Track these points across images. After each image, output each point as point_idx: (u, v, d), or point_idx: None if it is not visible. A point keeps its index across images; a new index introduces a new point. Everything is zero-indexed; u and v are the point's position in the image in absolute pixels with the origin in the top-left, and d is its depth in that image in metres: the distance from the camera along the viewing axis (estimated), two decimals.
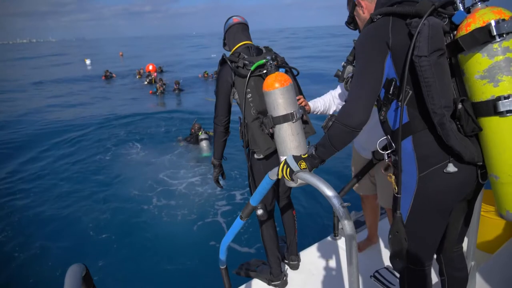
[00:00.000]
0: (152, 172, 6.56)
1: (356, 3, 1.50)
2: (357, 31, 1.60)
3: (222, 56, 2.18)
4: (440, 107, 1.13)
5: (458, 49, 1.10)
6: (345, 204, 1.16)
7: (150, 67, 20.64)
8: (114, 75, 21.92)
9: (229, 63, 2.13)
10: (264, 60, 2.08)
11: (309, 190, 5.41)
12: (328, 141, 1.33)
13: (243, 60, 2.14)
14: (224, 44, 2.39)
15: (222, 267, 2.20)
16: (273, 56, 2.14)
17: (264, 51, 2.26)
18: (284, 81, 1.85)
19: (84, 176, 6.75)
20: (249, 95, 2.14)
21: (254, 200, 1.72)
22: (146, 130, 9.70)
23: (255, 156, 2.21)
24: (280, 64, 2.16)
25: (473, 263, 2.03)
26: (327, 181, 1.23)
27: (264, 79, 1.94)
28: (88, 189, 6.15)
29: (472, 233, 1.96)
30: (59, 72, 26.94)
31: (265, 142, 2.14)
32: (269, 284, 2.47)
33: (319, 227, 4.54)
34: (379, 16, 1.25)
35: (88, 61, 34.78)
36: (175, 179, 6.30)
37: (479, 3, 1.11)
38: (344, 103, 1.30)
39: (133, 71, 22.46)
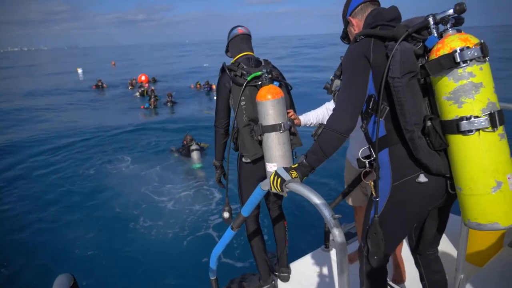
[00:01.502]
0: (142, 185, 6.48)
1: (348, 21, 1.64)
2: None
3: (223, 65, 2.34)
4: (411, 124, 1.27)
5: (427, 73, 1.23)
6: (336, 215, 1.18)
7: (143, 78, 20.52)
8: (105, 85, 21.60)
9: (227, 71, 2.29)
10: (260, 72, 2.24)
11: (299, 200, 5.43)
12: (318, 147, 1.44)
13: (241, 70, 2.29)
14: (227, 51, 2.54)
15: (212, 278, 2.18)
16: (269, 70, 2.28)
17: (262, 63, 2.41)
18: (276, 93, 2.06)
19: (71, 189, 6.64)
20: (243, 103, 2.29)
21: (246, 211, 1.74)
22: (137, 143, 9.55)
23: (243, 159, 2.36)
24: (275, 77, 2.30)
25: (462, 276, 2.05)
26: (321, 192, 1.26)
27: (258, 90, 2.12)
28: (77, 202, 6.06)
29: (462, 246, 1.99)
30: (50, 82, 26.68)
31: (253, 148, 2.28)
32: None
33: (310, 238, 4.54)
34: (362, 37, 1.40)
35: (80, 70, 34.58)
36: (166, 191, 6.25)
37: (450, 30, 1.21)
38: (333, 111, 1.43)
39: (125, 81, 22.30)
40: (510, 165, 1.19)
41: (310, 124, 2.45)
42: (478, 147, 1.17)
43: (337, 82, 1.67)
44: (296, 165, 1.50)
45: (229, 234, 1.88)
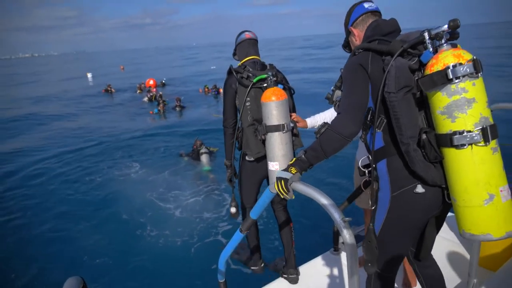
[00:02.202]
0: (151, 191, 6.48)
1: (350, 31, 1.68)
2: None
3: (230, 67, 2.45)
4: (406, 137, 1.32)
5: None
6: (347, 218, 1.18)
7: (151, 82, 20.61)
8: (113, 89, 21.80)
9: (234, 73, 2.40)
10: (265, 75, 2.34)
11: (305, 201, 5.40)
12: (319, 146, 1.48)
13: (247, 72, 2.40)
14: (234, 54, 2.66)
15: (221, 281, 2.18)
16: (274, 73, 2.38)
17: (268, 67, 2.53)
18: (280, 95, 2.16)
19: (80, 195, 6.65)
20: (248, 103, 2.39)
21: (254, 213, 1.74)
22: (146, 148, 9.54)
23: (247, 158, 2.47)
24: (279, 81, 2.40)
25: (475, 280, 2.03)
26: (331, 192, 1.29)
27: (263, 91, 2.22)
28: (85, 208, 6.09)
29: (474, 251, 1.97)
30: (61, 88, 26.99)
31: (257, 147, 2.37)
32: (249, 267, 2.84)
33: (318, 240, 4.50)
34: (360, 50, 1.45)
35: (89, 75, 34.97)
36: (175, 197, 6.25)
37: (444, 45, 1.24)
38: (337, 115, 1.49)
39: (134, 85, 22.47)
40: (503, 178, 1.22)
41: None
42: (471, 160, 1.20)
43: (338, 92, 1.72)
44: (294, 160, 1.55)
45: (237, 236, 1.89)
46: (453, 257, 2.64)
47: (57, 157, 9.15)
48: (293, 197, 1.51)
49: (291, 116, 2.34)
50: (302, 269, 2.65)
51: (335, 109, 1.69)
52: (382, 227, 1.48)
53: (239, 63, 2.52)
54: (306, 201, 5.50)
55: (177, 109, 14.57)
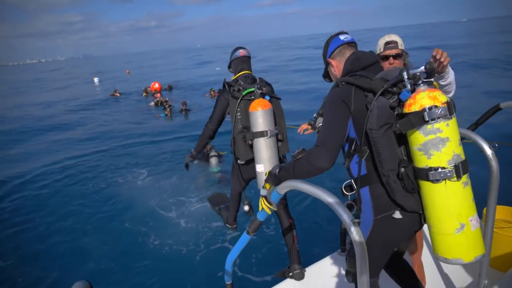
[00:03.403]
0: (158, 196, 6.46)
1: (328, 62, 1.79)
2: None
3: (224, 81, 2.87)
4: (387, 170, 1.45)
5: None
6: (356, 220, 1.19)
7: (156, 86, 20.67)
8: (118, 94, 21.95)
9: (227, 87, 2.80)
10: (253, 88, 2.68)
11: (313, 202, 5.43)
12: (292, 169, 1.58)
13: (238, 86, 2.78)
14: (229, 67, 3.03)
15: (228, 283, 2.19)
16: (260, 86, 2.71)
17: (257, 80, 2.88)
18: (265, 105, 2.57)
19: (87, 201, 6.66)
20: (238, 114, 2.76)
21: (261, 215, 1.77)
22: (153, 153, 9.50)
23: (239, 161, 2.83)
24: (266, 92, 2.71)
25: (486, 281, 2.02)
26: (334, 193, 1.34)
27: (251, 102, 2.63)
28: (92, 214, 6.11)
29: (485, 252, 1.96)
30: (68, 93, 27.22)
31: (246, 152, 2.76)
32: (224, 224, 3.34)
33: (325, 240, 4.46)
34: (343, 83, 1.56)
35: (96, 80, 35.25)
36: (183, 202, 6.21)
37: (421, 85, 1.36)
38: (315, 146, 1.57)
39: (140, 88, 22.62)
40: (472, 209, 1.35)
41: None
42: (445, 194, 1.33)
43: (320, 120, 1.86)
44: (267, 173, 1.70)
45: (245, 238, 1.91)
46: None
47: (63, 163, 9.16)
48: (275, 208, 1.69)
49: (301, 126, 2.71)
50: (310, 270, 2.67)
51: (317, 135, 1.82)
52: (369, 235, 1.60)
53: (233, 77, 2.92)
54: (313, 202, 5.47)
55: (183, 112, 14.74)
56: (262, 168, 2.62)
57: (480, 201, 2.44)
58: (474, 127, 2.62)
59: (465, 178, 1.33)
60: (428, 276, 2.45)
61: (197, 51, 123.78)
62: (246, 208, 3.01)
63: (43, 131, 13.87)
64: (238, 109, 2.76)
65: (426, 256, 2.62)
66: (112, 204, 6.45)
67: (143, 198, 6.48)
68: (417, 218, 1.52)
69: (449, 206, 1.33)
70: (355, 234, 1.15)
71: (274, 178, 1.65)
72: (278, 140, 2.76)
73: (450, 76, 2.03)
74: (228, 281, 2.19)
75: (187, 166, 3.20)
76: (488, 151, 1.74)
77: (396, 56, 2.21)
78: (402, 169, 1.42)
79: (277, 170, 1.65)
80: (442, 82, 1.98)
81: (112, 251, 4.89)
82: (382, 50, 2.26)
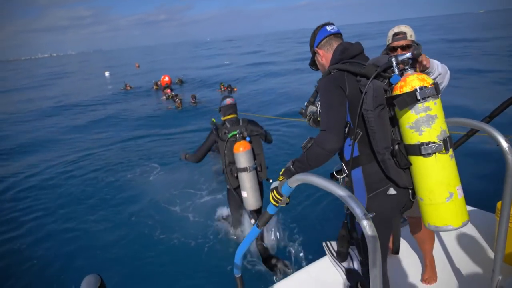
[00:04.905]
0: (168, 189, 6.49)
1: (315, 51, 1.91)
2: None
3: (215, 124, 3.88)
4: (382, 148, 1.57)
5: (394, 105, 1.48)
6: (370, 214, 1.17)
7: (166, 79, 20.71)
8: (129, 87, 22.16)
9: (214, 132, 3.79)
10: (235, 132, 3.63)
11: (317, 196, 5.43)
12: (305, 158, 1.67)
13: (225, 129, 3.76)
14: (220, 110, 3.92)
15: (237, 276, 2.19)
16: (241, 131, 3.63)
17: (241, 123, 3.80)
18: (245, 147, 3.53)
19: (99, 195, 6.72)
20: (225, 151, 3.69)
21: (272, 208, 1.79)
22: (162, 146, 9.53)
23: (228, 187, 3.88)
24: (246, 135, 3.62)
25: (500, 277, 1.99)
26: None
27: (235, 142, 3.57)
28: (103, 208, 6.15)
29: (499, 247, 1.93)
30: (80, 88, 27.45)
31: (233, 181, 3.74)
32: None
33: (329, 237, 4.45)
34: (335, 70, 1.67)
35: (107, 74, 35.57)
36: (193, 193, 6.24)
37: (409, 70, 1.52)
38: (321, 131, 1.67)
39: (150, 82, 22.73)
40: (458, 179, 1.50)
41: None
42: (436, 166, 1.47)
43: (311, 108, 1.93)
44: (283, 170, 1.73)
45: (254, 232, 1.91)
46: (477, 254, 2.60)
47: (75, 156, 9.27)
48: (288, 201, 1.70)
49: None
50: (311, 266, 2.67)
51: (307, 123, 1.97)
52: None
53: (222, 118, 3.87)
54: (315, 200, 5.38)
55: (193, 105, 14.93)
56: (246, 194, 3.61)
57: (493, 196, 2.41)
58: (488, 119, 2.56)
59: (451, 151, 1.48)
60: (439, 271, 2.42)
61: (206, 44, 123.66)
62: (252, 221, 3.80)
63: (55, 125, 14.08)
64: (226, 148, 3.67)
65: (438, 251, 2.60)
66: (121, 199, 6.51)
67: (154, 191, 6.53)
68: (407, 194, 1.66)
69: (440, 177, 1.47)
70: (368, 228, 1.13)
71: (289, 172, 1.69)
72: (257, 171, 3.68)
73: (436, 71, 1.98)
74: (238, 274, 2.18)
75: (185, 157, 4.07)
76: (505, 144, 1.69)
77: (405, 47, 2.15)
78: (396, 147, 1.55)
79: (291, 163, 1.70)
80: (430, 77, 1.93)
81: (122, 244, 4.94)
82: (390, 41, 2.21)
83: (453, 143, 2.36)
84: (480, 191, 5.04)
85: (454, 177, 1.49)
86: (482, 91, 12.25)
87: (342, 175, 1.76)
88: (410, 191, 1.65)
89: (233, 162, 3.62)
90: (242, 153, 3.49)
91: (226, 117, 3.82)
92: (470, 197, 3.45)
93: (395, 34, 2.18)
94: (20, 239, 5.36)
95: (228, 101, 3.85)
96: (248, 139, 3.62)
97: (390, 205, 1.68)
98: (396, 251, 1.97)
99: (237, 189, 3.72)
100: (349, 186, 1.73)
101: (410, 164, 1.53)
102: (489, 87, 12.87)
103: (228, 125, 3.74)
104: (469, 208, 3.09)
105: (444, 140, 1.45)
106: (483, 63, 18.44)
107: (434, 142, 1.44)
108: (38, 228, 5.71)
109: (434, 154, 1.45)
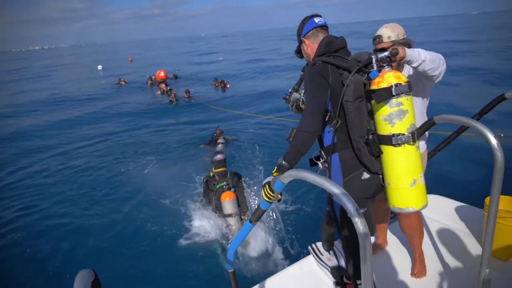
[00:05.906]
0: (163, 182, 6.49)
1: (302, 41, 2.05)
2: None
3: (203, 179, 4.93)
4: (358, 137, 1.74)
5: (371, 99, 1.63)
6: (361, 210, 1.18)
7: (161, 74, 20.51)
8: (123, 82, 21.91)
9: (207, 185, 4.78)
10: (222, 184, 4.64)
11: (314, 192, 5.47)
12: (294, 147, 1.77)
13: (214, 181, 4.70)
14: (212, 163, 4.84)
15: (230, 271, 2.19)
16: (228, 183, 4.65)
17: (228, 175, 4.74)
18: (230, 197, 4.49)
19: (93, 190, 6.70)
20: (214, 200, 4.65)
21: (264, 204, 1.80)
22: (159, 141, 9.51)
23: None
24: (234, 185, 4.67)
25: (487, 270, 2.03)
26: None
27: (223, 192, 4.54)
28: (97, 202, 6.17)
29: (487, 241, 1.97)
30: (72, 81, 27.01)
31: (224, 218, 4.66)
32: None
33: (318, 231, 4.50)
34: (320, 62, 1.83)
35: (100, 67, 35.14)
36: (188, 187, 6.19)
37: (386, 67, 1.65)
38: (302, 116, 1.81)
39: (144, 77, 22.52)
40: (421, 168, 1.68)
41: None
42: (404, 155, 1.63)
43: (295, 95, 2.08)
44: (276, 168, 1.79)
45: (248, 227, 1.91)
46: (465, 248, 2.66)
47: (69, 152, 9.23)
48: (280, 198, 1.74)
49: None
50: (304, 261, 2.71)
51: (291, 109, 2.14)
52: (341, 209, 1.93)
53: (214, 169, 4.73)
54: (310, 197, 5.41)
55: (186, 100, 14.99)
56: (233, 224, 4.54)
57: (482, 191, 2.46)
58: (478, 116, 2.60)
59: (417, 143, 1.65)
60: (428, 265, 2.47)
61: (201, 40, 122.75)
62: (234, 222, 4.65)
63: (48, 119, 13.88)
64: (214, 197, 4.63)
65: (427, 246, 2.64)
66: (116, 193, 6.51)
67: (149, 185, 6.54)
68: (378, 179, 1.84)
69: (406, 165, 1.64)
70: (359, 224, 1.14)
71: (283, 167, 1.75)
72: (239, 205, 4.64)
73: (418, 59, 1.86)
74: (230, 269, 2.19)
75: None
76: (493, 140, 1.72)
77: (383, 50, 2.15)
78: (370, 136, 1.72)
79: (282, 160, 1.77)
80: (413, 65, 1.89)
81: (116, 238, 4.95)
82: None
83: (444, 140, 2.71)
84: (469, 187, 5.13)
85: (418, 166, 1.66)
86: (473, 89, 12.40)
87: (321, 160, 1.94)
88: (381, 176, 1.82)
89: (220, 208, 4.55)
90: (227, 202, 4.44)
91: (216, 170, 4.69)
92: (459, 193, 3.55)
93: (374, 39, 2.18)
94: (11, 234, 5.33)
95: (219, 157, 4.74)
96: (233, 190, 4.57)
97: (364, 188, 1.85)
98: (371, 233, 2.07)
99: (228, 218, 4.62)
100: (325, 170, 1.91)
101: (382, 152, 1.69)
102: (480, 86, 13.04)
103: (217, 178, 4.67)
104: (458, 203, 3.15)
105: (412, 133, 1.61)
106: (477, 61, 18.65)
107: (404, 134, 1.60)
108: (29, 223, 5.66)
109: (403, 145, 1.61)
